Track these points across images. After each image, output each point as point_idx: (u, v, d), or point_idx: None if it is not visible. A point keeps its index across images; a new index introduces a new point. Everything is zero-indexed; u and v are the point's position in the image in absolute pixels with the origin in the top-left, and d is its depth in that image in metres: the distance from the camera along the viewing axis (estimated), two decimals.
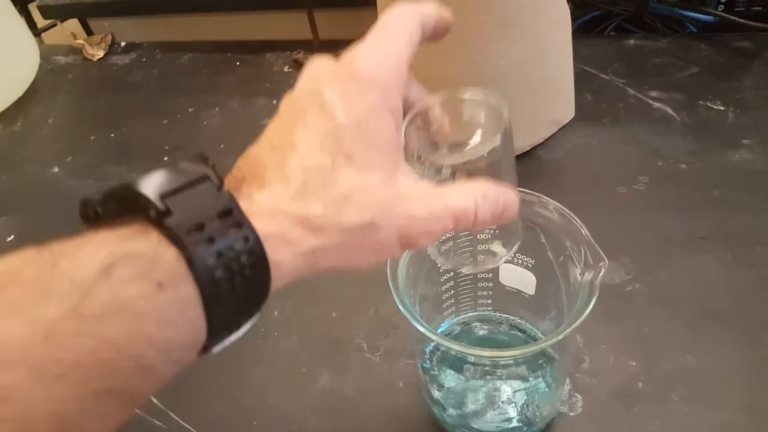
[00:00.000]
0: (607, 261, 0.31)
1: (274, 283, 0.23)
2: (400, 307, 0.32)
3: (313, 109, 0.24)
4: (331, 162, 0.24)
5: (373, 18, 0.52)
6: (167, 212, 0.20)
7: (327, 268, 0.24)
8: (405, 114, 0.27)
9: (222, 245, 0.21)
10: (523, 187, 0.34)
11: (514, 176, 0.29)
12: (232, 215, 0.21)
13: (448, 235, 0.32)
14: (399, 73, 0.25)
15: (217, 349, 0.23)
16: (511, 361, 0.35)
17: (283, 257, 0.23)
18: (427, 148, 0.27)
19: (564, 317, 0.34)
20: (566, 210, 0.33)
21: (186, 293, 0.20)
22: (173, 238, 0.20)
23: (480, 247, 0.32)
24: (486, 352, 0.32)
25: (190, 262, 0.20)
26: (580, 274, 0.32)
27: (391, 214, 0.25)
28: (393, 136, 0.25)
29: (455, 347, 0.33)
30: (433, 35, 0.28)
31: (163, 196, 0.21)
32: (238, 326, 0.23)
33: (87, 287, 0.19)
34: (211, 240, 0.21)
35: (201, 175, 0.22)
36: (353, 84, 0.24)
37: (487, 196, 0.26)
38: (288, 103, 0.25)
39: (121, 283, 0.19)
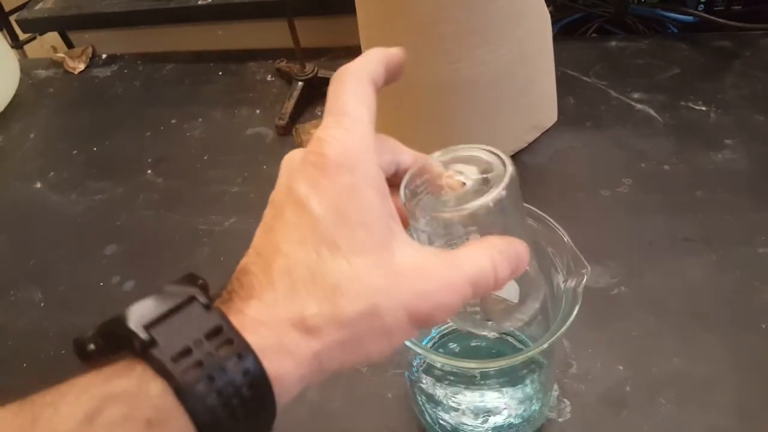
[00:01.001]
0: (589, 268, 0.31)
1: (280, 398, 0.21)
2: None
3: (290, 207, 0.24)
4: (316, 255, 0.23)
5: (352, 25, 0.52)
6: (152, 342, 0.20)
7: (335, 369, 0.23)
8: (399, 180, 0.27)
9: (213, 368, 0.20)
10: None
11: (526, 225, 0.29)
12: (221, 333, 0.21)
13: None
14: (367, 145, 0.24)
15: None
16: (497, 370, 0.35)
17: (285, 370, 0.21)
18: (432, 206, 0.27)
19: (550, 322, 0.33)
20: (548, 217, 0.33)
21: (178, 426, 0.19)
22: (158, 368, 0.19)
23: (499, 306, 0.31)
24: (473, 364, 0.32)
25: (179, 392, 0.19)
26: (563, 281, 0.32)
27: (393, 294, 0.23)
28: (379, 210, 0.24)
29: (440, 359, 0.33)
30: (388, 80, 0.27)
31: (148, 326, 0.20)
32: None
33: None
34: (199, 364, 0.20)
35: (187, 298, 0.21)
36: (322, 172, 0.23)
37: (503, 252, 0.25)
38: (269, 206, 0.25)
39: (106, 427, 0.19)
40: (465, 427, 0.39)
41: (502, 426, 0.39)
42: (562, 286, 0.32)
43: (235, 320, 0.21)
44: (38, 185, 0.66)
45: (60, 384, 0.20)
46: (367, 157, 0.24)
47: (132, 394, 0.19)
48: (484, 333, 0.32)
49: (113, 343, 0.21)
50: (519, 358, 0.30)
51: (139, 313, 0.20)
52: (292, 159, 0.25)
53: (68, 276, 0.55)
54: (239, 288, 0.23)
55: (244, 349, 0.21)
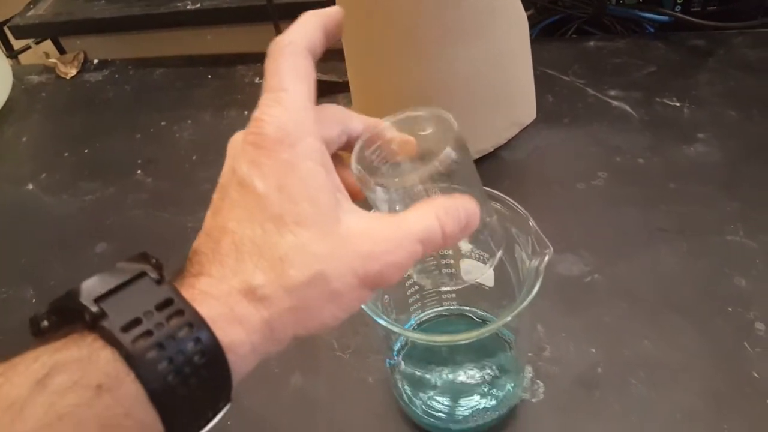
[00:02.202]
0: (551, 248, 0.32)
1: (235, 367, 0.22)
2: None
3: (234, 188, 0.24)
4: (262, 231, 0.23)
5: None
6: (102, 314, 0.20)
7: (290, 337, 0.24)
8: (350, 148, 0.28)
9: (162, 336, 0.20)
10: (489, 187, 0.35)
11: (478, 181, 0.30)
12: (172, 305, 0.21)
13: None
14: (306, 119, 0.25)
15: None
16: (468, 346, 0.36)
17: (237, 338, 0.22)
18: (387, 171, 0.28)
19: (517, 306, 0.35)
20: (512, 201, 0.35)
21: (129, 392, 0.20)
22: (108, 337, 0.20)
23: (463, 262, 0.32)
24: (443, 337, 0.33)
25: (128, 359, 0.20)
26: (528, 261, 0.33)
27: (340, 259, 0.24)
28: (323, 182, 0.24)
29: (412, 335, 0.34)
30: (329, 42, 0.27)
31: (98, 299, 0.21)
32: (204, 420, 0.22)
33: (20, 405, 0.19)
34: (149, 333, 0.20)
35: (138, 273, 0.22)
36: (262, 150, 0.24)
37: (448, 210, 0.26)
38: (216, 189, 0.25)
39: (56, 393, 0.19)
40: (443, 408, 0.40)
41: (478, 408, 0.40)
42: (527, 266, 0.33)
43: (186, 294, 0.22)
44: (30, 187, 0.67)
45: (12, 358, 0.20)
46: (306, 131, 0.24)
47: (82, 362, 0.20)
48: (450, 287, 0.33)
49: (66, 319, 0.21)
50: (484, 330, 0.31)
51: (90, 288, 0.21)
52: (235, 141, 0.25)
53: (59, 273, 0.56)
54: (190, 267, 0.23)
55: (194, 319, 0.21)
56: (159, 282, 0.22)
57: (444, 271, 0.33)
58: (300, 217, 0.23)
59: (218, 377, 0.22)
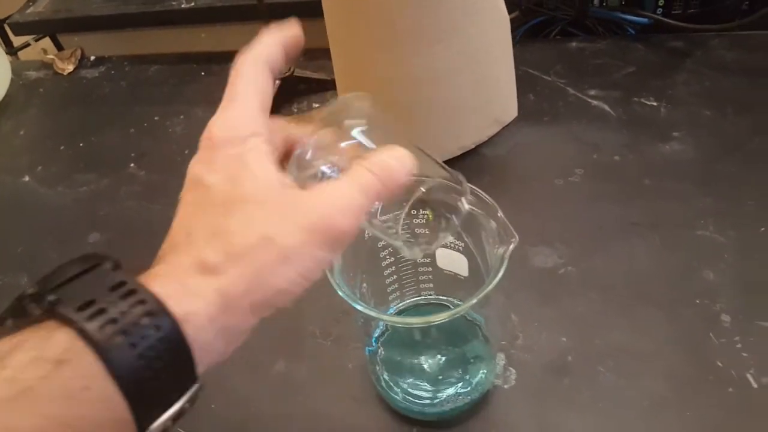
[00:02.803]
0: (517, 237, 0.34)
1: (197, 337, 0.23)
2: (336, 289, 0.35)
3: (189, 191, 0.26)
4: (212, 216, 0.25)
5: (323, 28, 0.56)
6: (57, 300, 0.22)
7: (246, 305, 0.24)
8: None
9: (115, 312, 0.21)
10: (470, 183, 0.36)
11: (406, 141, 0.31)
12: (125, 286, 0.22)
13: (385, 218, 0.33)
14: (253, 122, 0.27)
15: (155, 427, 0.22)
16: (443, 333, 0.38)
17: (191, 309, 0.23)
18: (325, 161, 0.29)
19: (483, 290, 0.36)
20: (482, 192, 0.36)
21: (86, 365, 0.21)
22: (63, 318, 0.21)
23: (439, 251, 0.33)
24: (416, 320, 0.35)
25: (82, 333, 0.21)
26: (495, 250, 0.35)
27: (286, 220, 0.25)
28: (269, 170, 0.26)
29: (386, 318, 0.36)
30: (290, 57, 0.29)
31: (54, 288, 0.22)
32: (169, 399, 0.23)
33: None
34: (102, 311, 0.21)
35: (93, 264, 0.23)
36: (212, 150, 0.26)
37: (373, 161, 0.27)
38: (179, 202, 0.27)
39: (17, 368, 0.20)
40: (419, 393, 0.42)
41: (452, 393, 0.42)
42: (494, 254, 0.35)
43: (142, 279, 0.23)
44: (27, 179, 0.69)
45: None
46: (254, 131, 0.26)
47: (41, 341, 0.21)
48: (413, 252, 0.34)
49: (28, 313, 0.22)
50: (454, 312, 0.33)
51: (48, 280, 0.22)
52: (196, 153, 0.28)
53: (53, 262, 0.56)
54: (151, 266, 0.25)
55: (146, 295, 0.22)
56: (115, 269, 0.23)
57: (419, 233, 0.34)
58: (246, 196, 0.25)
59: (177, 350, 0.22)
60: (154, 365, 0.22)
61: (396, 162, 0.27)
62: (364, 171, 0.27)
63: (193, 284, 0.23)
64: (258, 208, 0.25)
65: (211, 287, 0.23)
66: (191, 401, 0.24)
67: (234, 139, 0.26)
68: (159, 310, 0.22)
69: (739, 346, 0.43)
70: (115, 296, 0.22)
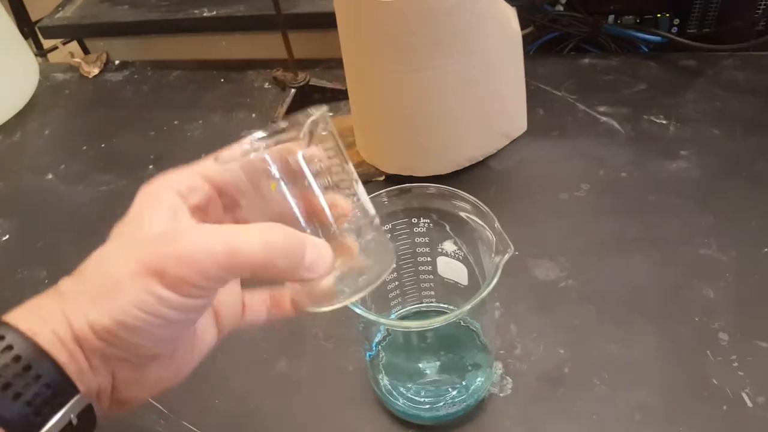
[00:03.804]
0: (512, 247, 0.35)
1: (59, 356, 0.25)
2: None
3: None
4: (96, 251, 0.27)
5: (338, 39, 0.57)
6: None
7: (85, 324, 0.25)
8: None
9: None
10: (476, 195, 0.38)
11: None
12: None
13: None
14: (165, 184, 0.29)
15: None
16: (441, 338, 0.39)
17: (35, 325, 0.25)
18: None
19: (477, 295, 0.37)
20: (481, 204, 0.37)
21: None
22: None
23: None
24: (414, 323, 0.36)
25: None
26: (491, 260, 0.36)
27: (129, 249, 0.26)
28: (163, 210, 0.28)
29: (385, 321, 0.37)
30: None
31: None
32: (45, 412, 0.25)
33: None
34: None
35: None
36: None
37: (287, 240, 0.27)
38: None
39: None
40: (416, 397, 0.43)
41: (448, 398, 0.43)
42: (490, 263, 0.36)
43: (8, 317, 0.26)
44: (49, 176, 0.71)
45: None
46: (161, 186, 0.29)
47: None
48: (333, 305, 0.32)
49: None
50: (450, 316, 0.34)
51: None
52: None
53: (72, 257, 0.58)
54: None
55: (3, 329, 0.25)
56: None
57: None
58: (121, 232, 0.28)
59: (33, 363, 0.25)
60: (23, 390, 0.25)
61: (310, 261, 0.28)
62: (255, 236, 0.26)
63: (42, 305, 0.26)
64: (120, 241, 0.27)
65: (56, 306, 0.26)
66: (82, 418, 0.26)
67: (147, 192, 0.29)
68: (6, 332, 0.25)
69: (735, 364, 0.44)
70: None
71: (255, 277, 0.26)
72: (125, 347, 0.26)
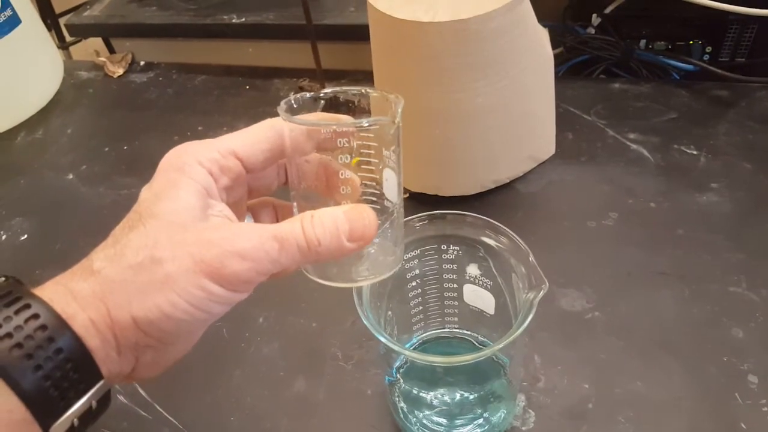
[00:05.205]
0: (547, 283, 0.34)
1: (90, 342, 0.24)
2: (363, 319, 0.36)
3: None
4: (128, 228, 0.26)
5: (368, 52, 0.57)
6: None
7: (127, 316, 0.25)
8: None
9: (10, 327, 0.24)
10: (501, 218, 0.38)
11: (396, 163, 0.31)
12: (10, 294, 0.24)
13: None
14: (192, 156, 0.29)
15: (58, 425, 0.24)
16: (465, 369, 0.38)
17: (71, 310, 0.24)
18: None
19: (510, 334, 0.37)
20: (515, 236, 0.37)
21: None
22: None
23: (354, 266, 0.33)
24: (439, 359, 0.36)
25: None
26: (524, 294, 0.35)
27: (178, 244, 0.25)
28: (195, 189, 0.27)
29: (409, 354, 0.37)
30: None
31: None
32: (68, 401, 0.24)
33: None
34: None
35: None
36: (156, 173, 0.29)
37: (323, 221, 0.27)
38: None
39: None
40: (436, 428, 0.42)
41: (470, 430, 0.42)
42: (523, 298, 0.35)
43: (36, 289, 0.25)
44: (70, 176, 0.71)
45: None
46: (193, 160, 0.28)
47: None
48: (357, 282, 0.33)
49: None
50: (479, 355, 0.33)
51: None
52: None
53: None
54: None
55: (28, 298, 0.24)
56: (6, 281, 0.25)
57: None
58: (157, 211, 0.26)
59: (59, 346, 0.24)
60: (51, 373, 0.24)
61: (342, 236, 0.27)
62: (299, 228, 0.27)
63: (74, 285, 0.25)
64: (161, 226, 0.26)
65: (90, 289, 0.25)
66: (100, 401, 0.26)
67: (175, 164, 0.28)
68: (41, 310, 0.24)
69: (765, 409, 0.43)
70: (8, 309, 0.24)
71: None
72: (161, 337, 0.26)
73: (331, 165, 0.30)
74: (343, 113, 0.32)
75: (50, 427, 0.24)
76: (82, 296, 0.25)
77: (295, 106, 0.31)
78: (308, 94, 0.31)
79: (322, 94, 0.33)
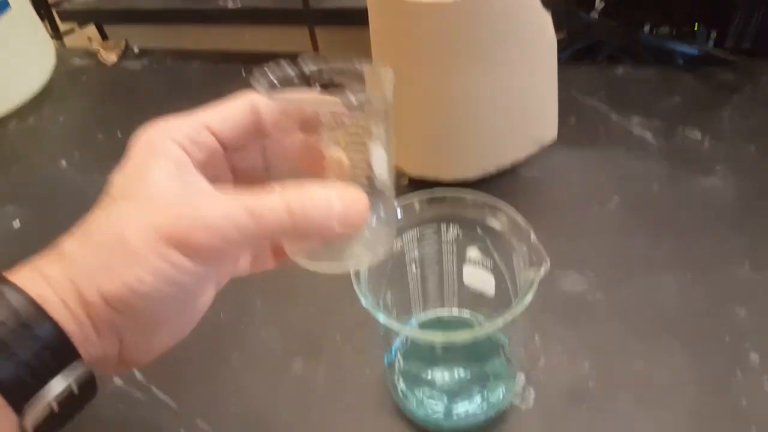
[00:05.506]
0: (548, 260, 0.33)
1: (67, 326, 0.24)
2: (361, 298, 0.35)
3: None
4: (96, 210, 0.26)
5: (367, 36, 0.56)
6: None
7: (106, 299, 0.24)
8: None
9: None
10: (505, 202, 0.37)
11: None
12: None
13: None
14: (167, 132, 0.28)
15: (32, 414, 0.24)
16: (464, 349, 0.37)
17: (43, 291, 0.24)
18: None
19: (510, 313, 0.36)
20: (516, 213, 0.36)
21: None
22: None
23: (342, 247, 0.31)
24: (439, 336, 0.35)
25: None
26: (525, 272, 0.34)
27: (144, 217, 0.25)
28: (169, 169, 0.26)
29: (408, 331, 0.36)
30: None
31: None
32: (43, 376, 0.24)
33: None
34: None
35: None
36: (128, 156, 0.28)
37: (307, 192, 0.26)
38: None
39: None
40: (436, 406, 0.41)
41: (470, 409, 0.41)
42: (524, 277, 0.34)
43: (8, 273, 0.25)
44: (63, 164, 0.70)
45: None
46: (166, 139, 0.28)
47: None
48: (347, 267, 0.32)
49: None
50: (478, 331, 0.32)
51: None
52: None
53: None
54: None
55: (4, 288, 0.24)
56: None
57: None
58: (129, 192, 0.26)
59: (33, 327, 0.23)
60: (26, 359, 0.23)
61: (332, 218, 0.26)
62: (278, 200, 0.26)
63: (45, 268, 0.25)
64: (130, 205, 0.25)
65: (60, 271, 0.25)
66: (84, 386, 0.25)
67: (148, 146, 0.28)
68: (11, 293, 0.24)
69: (766, 386, 0.42)
70: None
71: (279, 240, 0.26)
72: (136, 315, 0.25)
73: (317, 145, 0.28)
74: (330, 89, 0.30)
75: (22, 408, 0.23)
76: (55, 280, 0.25)
77: (275, 81, 0.30)
78: (290, 68, 0.29)
79: (305, 68, 0.31)
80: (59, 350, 0.24)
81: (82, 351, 0.25)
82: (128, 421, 0.42)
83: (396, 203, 0.32)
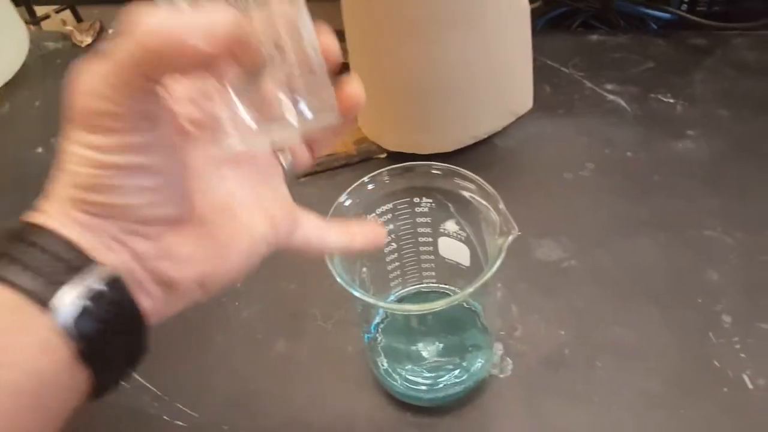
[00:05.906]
0: (517, 228, 0.34)
1: (98, 256, 0.24)
2: (335, 276, 0.35)
3: None
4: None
5: (337, 6, 0.55)
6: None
7: (80, 203, 0.25)
8: None
9: (11, 249, 0.24)
10: (480, 173, 0.37)
11: None
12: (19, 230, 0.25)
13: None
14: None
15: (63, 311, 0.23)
16: (441, 320, 0.38)
17: (46, 219, 0.25)
18: None
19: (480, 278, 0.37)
20: (485, 183, 0.36)
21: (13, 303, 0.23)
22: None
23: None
24: (413, 307, 0.35)
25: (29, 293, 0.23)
26: (494, 240, 0.35)
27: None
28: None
29: (383, 305, 0.37)
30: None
31: None
32: (59, 275, 0.24)
33: None
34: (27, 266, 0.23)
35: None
36: None
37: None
38: None
39: None
40: (416, 379, 0.42)
41: (449, 380, 0.42)
42: (493, 244, 0.35)
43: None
44: (40, 150, 0.70)
45: None
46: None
47: None
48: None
49: None
50: (452, 299, 0.33)
51: None
52: None
53: None
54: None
55: (30, 224, 0.25)
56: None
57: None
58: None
59: (67, 259, 0.24)
60: (42, 273, 0.24)
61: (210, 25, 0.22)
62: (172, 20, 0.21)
63: (46, 207, 0.26)
64: None
65: (51, 206, 0.26)
66: (112, 285, 0.25)
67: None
68: (45, 234, 0.24)
69: (737, 347, 0.43)
70: (6, 237, 0.24)
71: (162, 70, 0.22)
72: (113, 212, 0.25)
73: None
74: None
75: (48, 301, 0.23)
76: (48, 204, 0.26)
77: None
78: None
79: None
80: (70, 257, 0.24)
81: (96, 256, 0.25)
82: (110, 408, 0.42)
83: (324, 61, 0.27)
